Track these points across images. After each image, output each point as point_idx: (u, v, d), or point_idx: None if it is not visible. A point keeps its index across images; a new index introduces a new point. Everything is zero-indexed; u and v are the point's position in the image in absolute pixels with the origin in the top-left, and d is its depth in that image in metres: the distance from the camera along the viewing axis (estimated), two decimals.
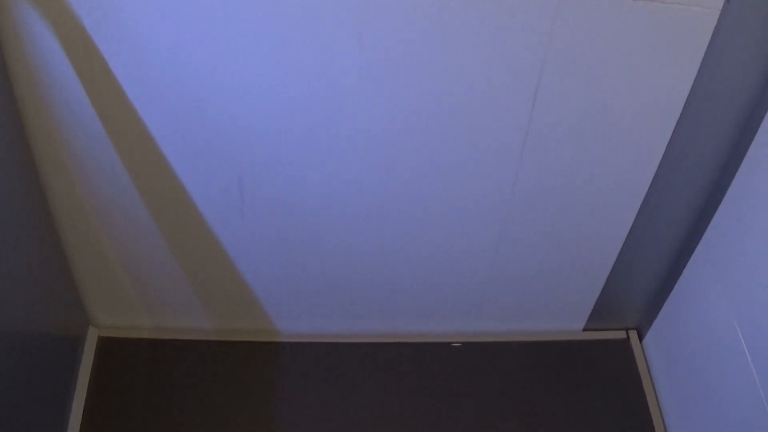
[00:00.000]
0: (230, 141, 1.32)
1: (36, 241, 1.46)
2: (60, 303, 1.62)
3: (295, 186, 1.40)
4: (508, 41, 1.16)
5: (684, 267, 1.59)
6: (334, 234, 1.52)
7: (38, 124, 1.27)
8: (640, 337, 1.82)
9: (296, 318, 1.77)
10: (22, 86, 1.22)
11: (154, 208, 1.45)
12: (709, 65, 1.20)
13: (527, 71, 1.21)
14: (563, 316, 1.78)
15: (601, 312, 1.77)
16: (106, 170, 1.37)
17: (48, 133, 1.29)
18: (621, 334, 1.83)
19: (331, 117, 1.27)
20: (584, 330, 1.83)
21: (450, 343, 1.80)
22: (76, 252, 1.58)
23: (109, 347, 1.76)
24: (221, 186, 1.40)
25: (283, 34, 1.15)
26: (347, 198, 1.43)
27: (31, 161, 1.36)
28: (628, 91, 1.25)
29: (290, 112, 1.27)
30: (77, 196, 1.43)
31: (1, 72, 1.20)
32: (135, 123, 1.27)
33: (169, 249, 1.55)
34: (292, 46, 1.17)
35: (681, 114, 1.28)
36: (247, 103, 1.25)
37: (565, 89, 1.24)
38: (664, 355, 1.72)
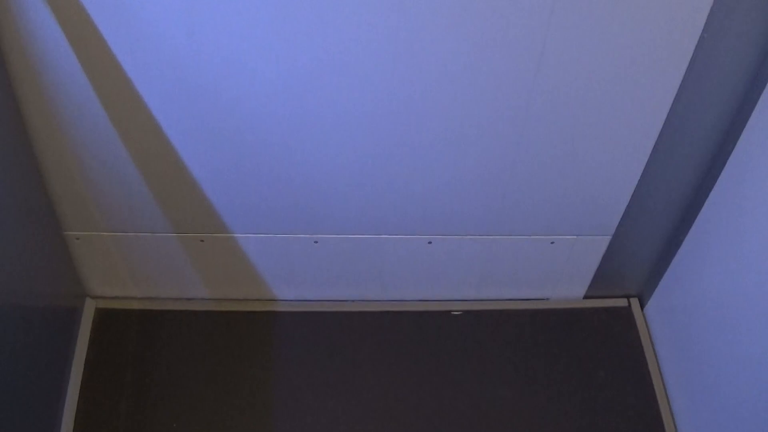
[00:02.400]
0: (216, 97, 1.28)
1: (30, 214, 1.45)
2: (56, 274, 1.61)
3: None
4: None
5: (686, 234, 1.57)
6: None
7: (26, 78, 1.25)
8: (642, 305, 1.81)
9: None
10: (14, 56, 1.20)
11: (147, 173, 1.43)
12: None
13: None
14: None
15: (603, 279, 1.76)
16: (97, 134, 1.35)
17: (36, 94, 1.27)
18: (622, 302, 1.82)
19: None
20: (585, 298, 1.81)
21: (450, 311, 1.79)
22: (72, 225, 1.57)
23: (106, 318, 1.75)
24: (211, 143, 1.37)
25: None
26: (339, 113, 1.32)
27: (24, 132, 1.35)
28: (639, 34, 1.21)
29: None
30: (70, 167, 1.41)
31: None
32: (125, 84, 1.25)
33: (165, 216, 1.54)
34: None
35: (687, 68, 1.25)
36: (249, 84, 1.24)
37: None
38: (666, 322, 1.71)
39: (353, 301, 1.79)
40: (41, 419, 1.52)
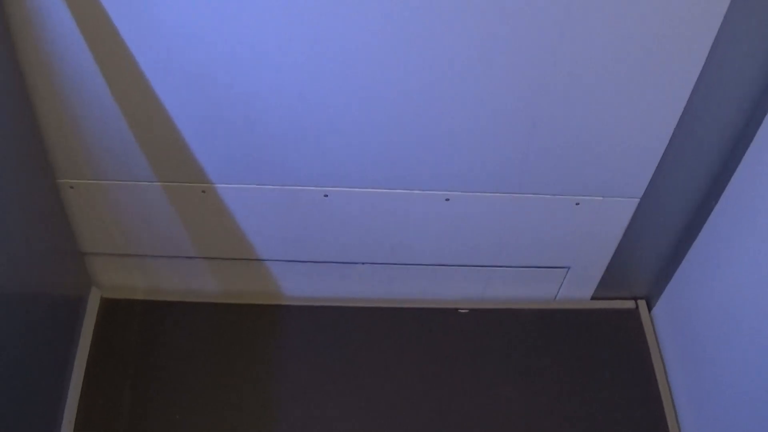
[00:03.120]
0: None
1: (38, 204, 1.47)
2: (63, 264, 1.62)
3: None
4: None
5: (696, 236, 1.59)
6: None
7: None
8: (649, 307, 1.80)
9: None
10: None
11: (144, 120, 1.39)
12: None
13: None
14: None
15: (610, 281, 1.76)
16: (105, 117, 1.37)
17: (34, 46, 1.26)
18: (630, 304, 1.81)
19: None
20: (592, 299, 1.81)
21: (457, 309, 1.78)
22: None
23: (111, 308, 1.75)
24: (213, 90, 1.34)
25: None
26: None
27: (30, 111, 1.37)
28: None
29: None
30: (65, 114, 1.39)
31: None
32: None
33: (165, 165, 1.49)
34: None
35: (701, 72, 1.27)
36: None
37: None
38: (673, 325, 1.70)
39: (362, 264, 1.74)
40: (43, 409, 1.51)
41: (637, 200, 1.53)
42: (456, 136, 1.41)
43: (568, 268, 1.74)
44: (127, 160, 1.46)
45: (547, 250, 1.69)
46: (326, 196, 1.54)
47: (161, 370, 1.66)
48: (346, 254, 1.71)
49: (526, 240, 1.65)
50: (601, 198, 1.54)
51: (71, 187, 1.53)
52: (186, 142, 1.42)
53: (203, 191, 1.53)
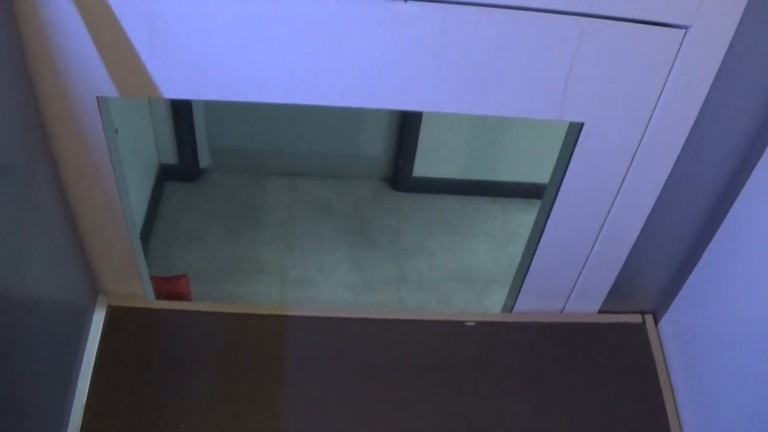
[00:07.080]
0: None
1: (45, 209, 1.47)
2: (69, 271, 1.62)
3: None
4: None
5: (703, 251, 1.59)
6: None
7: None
8: (656, 322, 1.80)
9: None
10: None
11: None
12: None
13: None
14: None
15: (617, 295, 1.76)
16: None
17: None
18: (637, 318, 1.81)
19: None
20: (599, 312, 1.80)
21: (464, 322, 1.78)
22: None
23: (118, 316, 1.74)
24: None
25: None
26: None
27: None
28: None
29: None
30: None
31: None
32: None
33: None
34: None
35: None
36: None
37: None
38: (680, 340, 1.70)
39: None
40: (49, 416, 1.50)
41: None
42: None
43: (687, 28, 1.26)
44: None
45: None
46: None
47: (167, 378, 1.65)
48: None
49: None
50: None
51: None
52: None
53: None
